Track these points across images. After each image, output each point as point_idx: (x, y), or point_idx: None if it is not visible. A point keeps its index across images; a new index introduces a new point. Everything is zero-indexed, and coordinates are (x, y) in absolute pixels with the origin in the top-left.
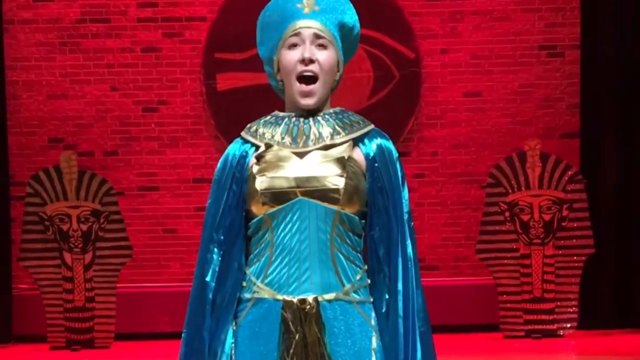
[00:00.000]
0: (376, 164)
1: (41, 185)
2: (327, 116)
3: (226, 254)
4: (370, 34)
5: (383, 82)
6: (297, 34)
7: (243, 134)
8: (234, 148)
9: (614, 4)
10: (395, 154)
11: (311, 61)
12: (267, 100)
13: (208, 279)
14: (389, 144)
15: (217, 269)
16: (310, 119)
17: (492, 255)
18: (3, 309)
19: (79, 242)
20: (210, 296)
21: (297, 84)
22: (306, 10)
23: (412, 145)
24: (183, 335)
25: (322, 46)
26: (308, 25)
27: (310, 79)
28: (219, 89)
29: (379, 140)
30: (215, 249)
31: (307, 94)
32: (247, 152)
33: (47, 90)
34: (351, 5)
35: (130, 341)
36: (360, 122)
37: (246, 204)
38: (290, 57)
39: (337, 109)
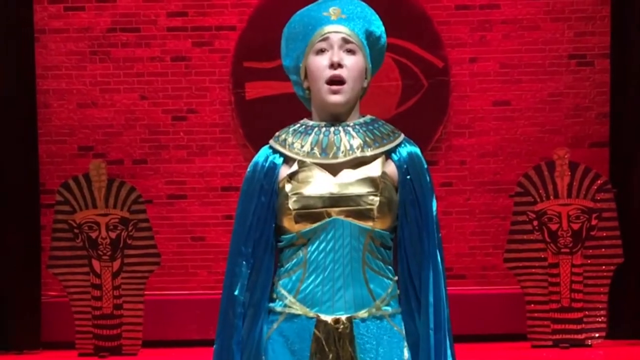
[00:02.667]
0: (408, 176)
1: (71, 193)
2: (357, 126)
3: (255, 267)
4: (399, 43)
5: (411, 91)
6: (325, 39)
7: (271, 142)
8: (262, 157)
9: None
10: (425, 164)
11: (340, 65)
12: (295, 108)
13: (237, 292)
14: (420, 154)
15: (245, 282)
16: (341, 129)
17: (520, 264)
18: (32, 316)
19: (108, 249)
20: (239, 310)
21: (326, 85)
22: (333, 17)
23: (440, 154)
24: (214, 347)
25: (351, 51)
26: (336, 30)
27: (339, 83)
28: (248, 98)
29: (410, 150)
30: (244, 262)
31: (335, 92)
32: (275, 163)
33: (77, 98)
34: (378, 17)
35: (157, 348)
36: (391, 133)
37: (277, 219)
38: (319, 62)
39: (368, 117)
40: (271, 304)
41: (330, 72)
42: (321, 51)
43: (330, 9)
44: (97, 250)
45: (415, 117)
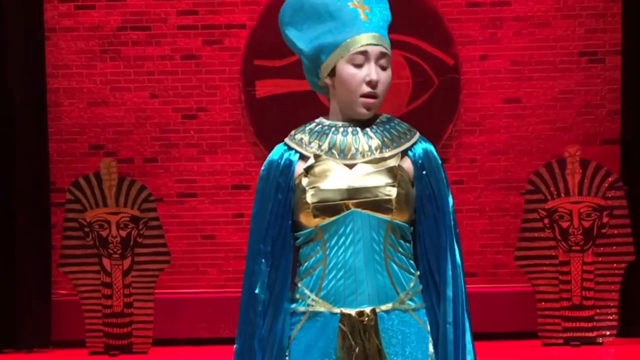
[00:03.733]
0: (424, 172)
1: (81, 191)
2: (374, 127)
3: (274, 265)
4: (410, 40)
5: (422, 89)
6: (363, 52)
7: (287, 140)
8: (277, 155)
9: None
10: (439, 160)
11: (377, 84)
12: (306, 107)
13: (257, 291)
14: (434, 151)
15: (266, 281)
16: (359, 130)
17: (531, 262)
18: (42, 315)
19: (118, 248)
20: (260, 308)
21: (361, 99)
22: (362, 16)
23: (450, 151)
24: (235, 347)
25: (384, 67)
26: (375, 42)
27: (372, 97)
28: (258, 96)
29: (425, 147)
30: (263, 260)
31: (368, 107)
32: (290, 161)
33: (87, 97)
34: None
35: (168, 347)
36: (407, 132)
37: (294, 215)
38: (356, 74)
39: (384, 116)
40: (294, 305)
41: (367, 89)
42: (357, 61)
43: (359, 9)
44: (108, 248)
45: (425, 115)
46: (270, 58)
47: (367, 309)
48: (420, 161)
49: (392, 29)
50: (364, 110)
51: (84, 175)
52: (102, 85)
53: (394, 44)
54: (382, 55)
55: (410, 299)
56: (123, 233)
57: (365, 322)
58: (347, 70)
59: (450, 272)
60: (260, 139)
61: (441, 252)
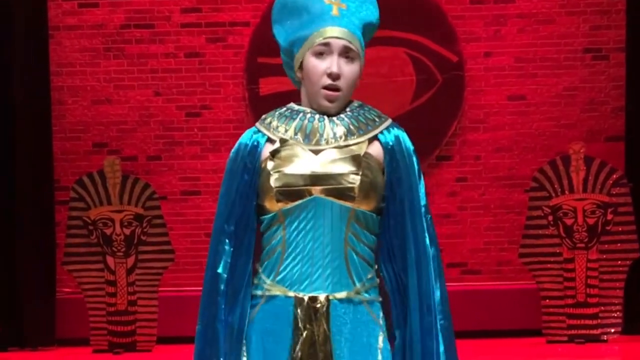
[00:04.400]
0: (395, 155)
1: (85, 189)
2: (342, 114)
3: (237, 245)
4: (413, 37)
5: (426, 86)
6: (326, 44)
7: (257, 124)
8: (246, 137)
9: None
10: (411, 147)
11: (338, 77)
12: None
13: (220, 270)
14: (406, 137)
15: (229, 260)
16: (325, 117)
17: (535, 259)
18: (47, 312)
19: (122, 246)
20: (223, 287)
21: (322, 90)
22: (334, 11)
23: (454, 148)
24: (197, 328)
25: (350, 58)
26: (338, 36)
27: (335, 90)
28: (262, 94)
29: (397, 133)
30: (227, 240)
31: (330, 100)
32: (258, 142)
33: (91, 95)
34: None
35: (172, 344)
36: (377, 119)
37: (259, 199)
38: (318, 66)
39: (355, 103)
40: (253, 290)
41: (327, 81)
42: (320, 54)
43: None
44: (112, 246)
45: (429, 112)
46: (273, 55)
47: (321, 295)
48: (390, 144)
49: (396, 26)
50: (326, 103)
51: (88, 173)
52: (105, 83)
53: (397, 42)
54: (347, 49)
55: (366, 291)
56: (127, 231)
57: (317, 308)
58: (311, 62)
59: (414, 258)
60: None
61: (406, 237)
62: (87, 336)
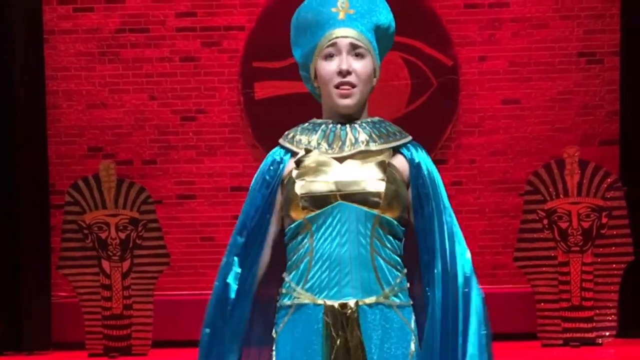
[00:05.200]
0: (422, 171)
1: (80, 193)
2: (364, 124)
3: (243, 256)
4: (408, 41)
5: (421, 90)
6: (333, 44)
7: (281, 141)
8: (270, 155)
9: None
10: (434, 166)
11: (348, 72)
12: (305, 108)
13: (230, 280)
14: (428, 158)
15: (238, 271)
16: (347, 126)
17: (530, 263)
18: (42, 317)
19: (117, 250)
20: (232, 296)
21: (335, 89)
22: (341, 16)
23: (449, 152)
24: (203, 334)
25: (359, 55)
26: (344, 35)
27: (349, 86)
28: (257, 98)
29: (420, 152)
30: (239, 252)
31: (345, 95)
32: (282, 158)
33: (86, 99)
34: (385, 3)
35: (167, 348)
36: (398, 133)
37: (285, 210)
38: (328, 68)
39: (376, 118)
40: (281, 300)
41: (338, 79)
42: (329, 56)
43: (339, 3)
44: (107, 250)
45: (424, 116)
46: (268, 60)
47: (351, 301)
48: (417, 159)
49: None
50: (342, 101)
51: (83, 178)
52: (100, 88)
53: (392, 46)
54: (354, 46)
55: (395, 295)
56: (122, 235)
57: (347, 315)
58: (321, 65)
59: (440, 274)
60: (259, 140)
61: (434, 252)
62: (82, 340)
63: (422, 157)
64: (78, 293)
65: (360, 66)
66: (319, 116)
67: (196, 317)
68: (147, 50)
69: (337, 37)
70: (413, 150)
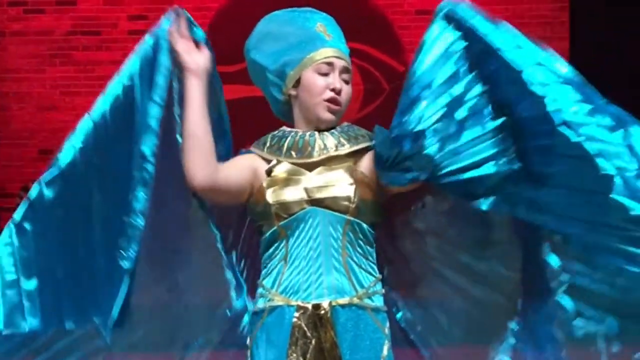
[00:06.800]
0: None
1: None
2: (333, 130)
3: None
4: (360, 47)
5: (373, 95)
6: (329, 63)
7: (252, 147)
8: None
9: (602, 17)
10: None
11: (340, 92)
12: (257, 112)
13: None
14: None
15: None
16: (316, 133)
17: None
18: None
19: None
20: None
21: (325, 102)
22: (327, 37)
23: None
24: None
25: (346, 81)
26: (339, 56)
27: (337, 104)
28: None
29: None
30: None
31: (332, 111)
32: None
33: (37, 102)
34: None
35: None
36: (366, 135)
37: (258, 220)
38: (321, 82)
39: (344, 124)
40: (256, 304)
41: (330, 95)
42: (324, 74)
43: (319, 24)
44: None
45: (377, 121)
46: (221, 64)
47: (324, 302)
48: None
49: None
50: (328, 114)
51: (34, 181)
52: (52, 90)
53: None
54: (345, 69)
55: (369, 298)
56: None
57: (321, 315)
58: (313, 77)
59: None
60: None
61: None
62: None
63: None
64: None
65: (347, 89)
66: (270, 119)
67: None
68: (99, 53)
69: (333, 57)
70: None
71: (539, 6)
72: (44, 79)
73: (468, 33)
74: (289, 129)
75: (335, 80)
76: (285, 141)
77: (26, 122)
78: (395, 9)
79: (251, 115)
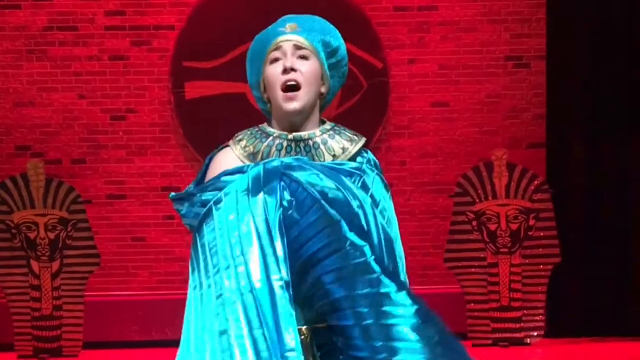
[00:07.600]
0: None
1: (8, 193)
2: (309, 139)
3: None
4: None
5: (351, 92)
6: (278, 48)
7: (231, 143)
8: (222, 156)
9: (580, 15)
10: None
11: (293, 70)
12: (235, 108)
13: None
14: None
15: None
16: (293, 147)
17: (460, 264)
18: None
19: (47, 250)
20: None
21: (282, 92)
22: (288, 30)
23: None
24: None
25: (304, 57)
26: (288, 39)
27: (294, 88)
28: (188, 98)
29: (367, 156)
30: None
31: (291, 98)
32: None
33: (14, 98)
34: (336, 30)
35: (98, 350)
36: (355, 136)
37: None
38: (274, 70)
39: (328, 125)
40: None
41: (284, 78)
42: (275, 60)
43: (287, 25)
44: (36, 251)
45: (355, 118)
46: (199, 60)
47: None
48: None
49: None
50: (288, 105)
51: (11, 177)
52: (28, 86)
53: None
54: (298, 47)
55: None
56: (52, 235)
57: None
58: (268, 70)
59: (407, 282)
60: (190, 140)
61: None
62: (12, 342)
63: (370, 164)
64: (6, 294)
65: (305, 66)
66: (248, 115)
67: (127, 318)
68: (76, 49)
69: (281, 42)
70: (363, 159)
71: (516, 3)
72: (21, 75)
73: None
74: (267, 129)
75: (286, 61)
76: (261, 147)
77: (2, 118)
78: (374, 6)
79: (228, 111)
